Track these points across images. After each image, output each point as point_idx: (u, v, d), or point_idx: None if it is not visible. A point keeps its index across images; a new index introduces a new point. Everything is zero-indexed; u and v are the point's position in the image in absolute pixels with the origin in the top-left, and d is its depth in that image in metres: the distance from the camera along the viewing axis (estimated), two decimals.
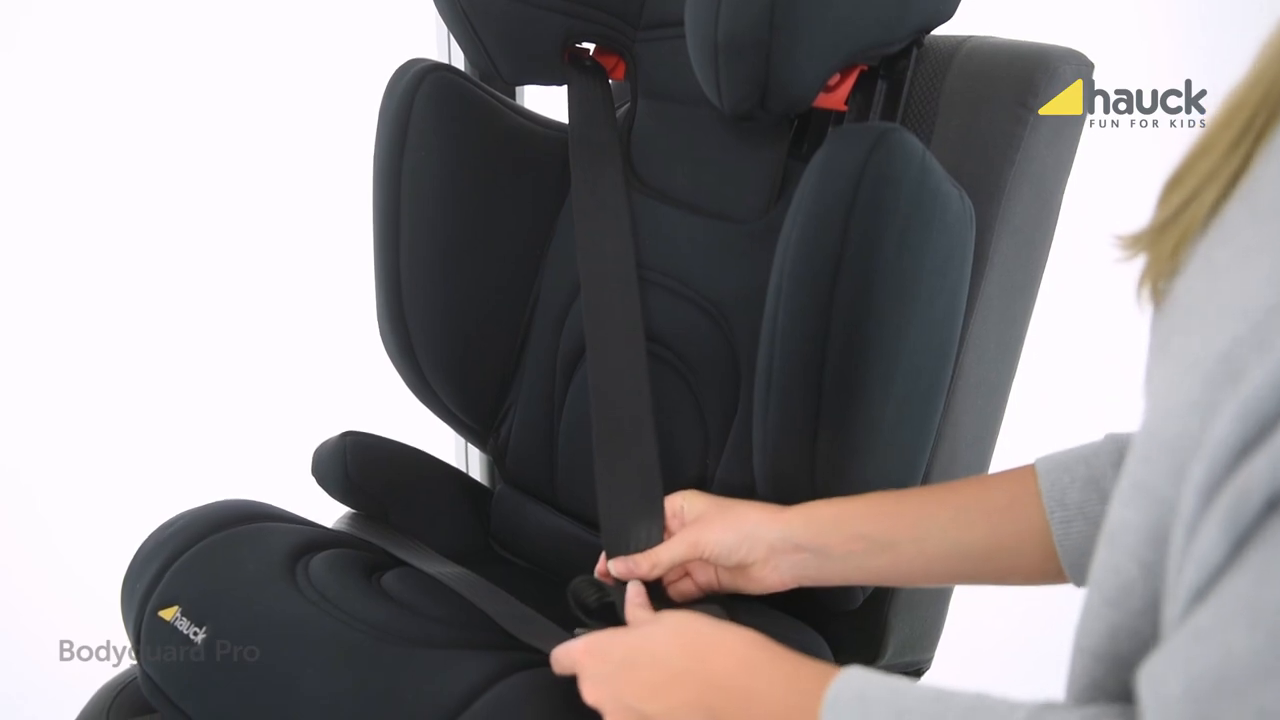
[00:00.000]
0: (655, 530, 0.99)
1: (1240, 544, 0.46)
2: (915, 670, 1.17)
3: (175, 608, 1.03)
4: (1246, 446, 0.46)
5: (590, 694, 0.83)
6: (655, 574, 0.96)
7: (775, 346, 0.94)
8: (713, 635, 0.79)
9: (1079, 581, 0.81)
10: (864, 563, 0.89)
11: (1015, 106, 0.99)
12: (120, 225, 2.91)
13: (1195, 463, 0.48)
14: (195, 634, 1.00)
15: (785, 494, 0.98)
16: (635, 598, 0.95)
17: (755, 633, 0.78)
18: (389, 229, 1.20)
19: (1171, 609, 0.50)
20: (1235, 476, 0.46)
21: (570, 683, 0.93)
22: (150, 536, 1.11)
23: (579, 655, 0.85)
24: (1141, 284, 0.62)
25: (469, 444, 1.60)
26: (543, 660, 0.97)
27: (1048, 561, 0.82)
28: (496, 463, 1.30)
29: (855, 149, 0.89)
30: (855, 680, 0.67)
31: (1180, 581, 0.49)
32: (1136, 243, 0.63)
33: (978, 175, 0.99)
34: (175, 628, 1.02)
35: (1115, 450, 0.82)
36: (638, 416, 1.07)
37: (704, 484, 1.12)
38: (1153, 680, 0.48)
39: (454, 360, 1.24)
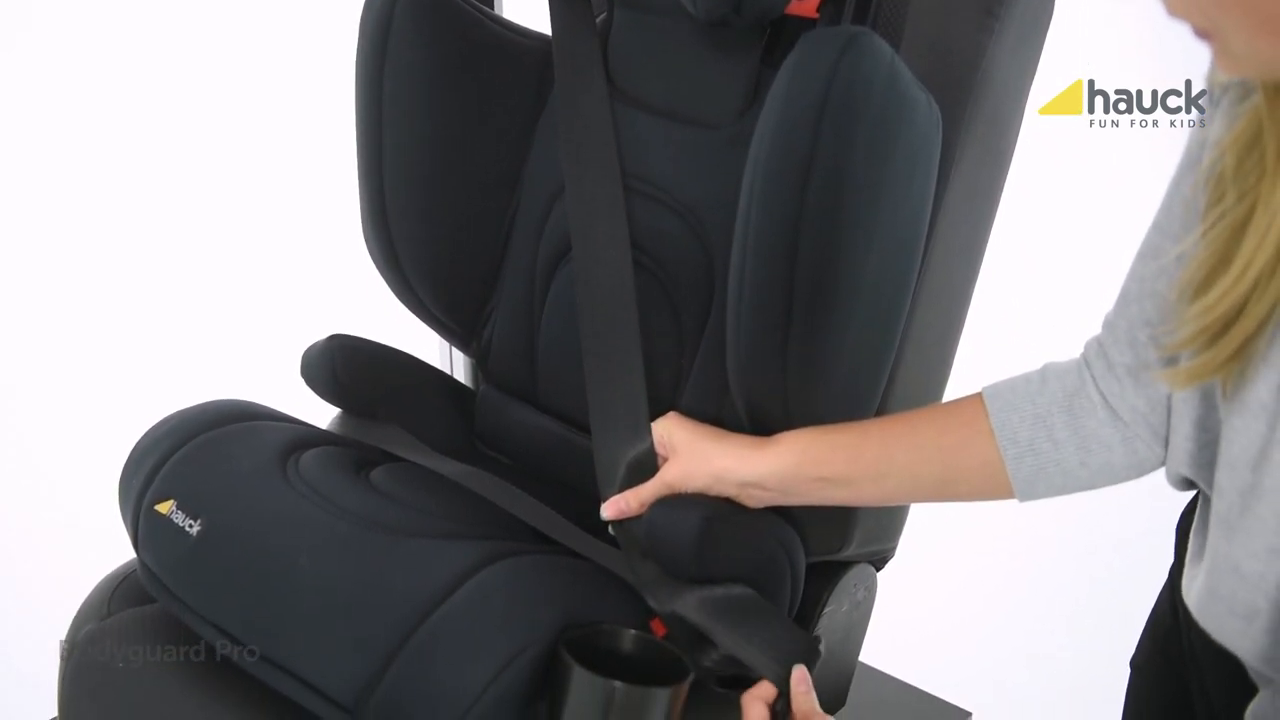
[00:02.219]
0: (645, 458, 1.06)
1: None
2: (880, 559, 1.22)
3: (171, 501, 1.07)
4: None
5: None
6: (643, 511, 1.04)
7: (748, 247, 0.97)
8: None
9: (1023, 499, 0.92)
10: (825, 496, 0.99)
11: (981, 15, 1.01)
12: (113, 155, 2.91)
13: None
14: (190, 526, 1.04)
15: (757, 392, 1.03)
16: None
17: None
18: (372, 138, 1.22)
19: None
20: None
21: (546, 570, 0.99)
22: (145, 434, 1.14)
23: None
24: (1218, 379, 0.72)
25: (452, 348, 1.63)
26: (523, 550, 1.02)
27: (998, 486, 0.93)
28: (479, 365, 1.33)
29: (826, 52, 0.91)
30: None
31: None
32: (1190, 375, 0.72)
33: (944, 81, 1.01)
34: (171, 521, 1.05)
35: (1061, 393, 0.89)
36: (624, 328, 1.12)
37: (678, 383, 1.16)
38: None
39: (437, 265, 1.27)
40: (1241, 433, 0.72)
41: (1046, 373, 0.91)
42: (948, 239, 1.06)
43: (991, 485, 0.92)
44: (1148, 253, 0.81)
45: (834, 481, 0.97)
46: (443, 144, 1.23)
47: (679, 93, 1.15)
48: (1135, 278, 0.82)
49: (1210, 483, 0.78)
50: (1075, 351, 0.90)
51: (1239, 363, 0.70)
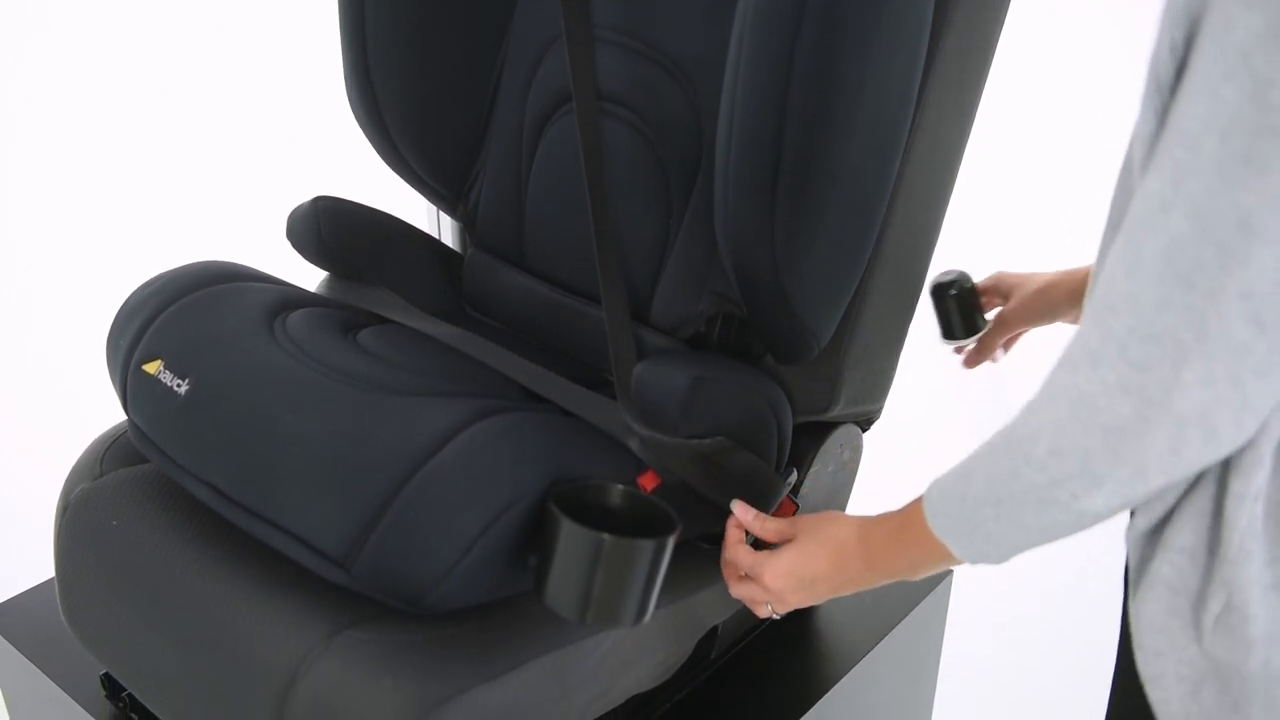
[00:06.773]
0: None
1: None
2: (865, 420, 1.23)
3: (158, 361, 1.06)
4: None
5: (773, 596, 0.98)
6: None
7: (737, 98, 0.95)
8: (841, 538, 0.95)
9: None
10: None
11: None
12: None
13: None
14: (178, 385, 1.04)
15: (744, 249, 1.02)
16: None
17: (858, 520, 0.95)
18: None
19: None
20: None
21: (535, 427, 0.99)
22: (132, 295, 1.14)
23: (769, 578, 0.97)
24: None
25: (440, 215, 1.62)
26: (512, 407, 1.02)
27: None
28: (466, 228, 1.32)
29: None
30: (933, 484, 0.84)
31: None
32: None
33: None
34: (159, 380, 1.05)
35: None
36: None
37: (664, 244, 1.15)
38: None
39: (422, 125, 1.25)
40: None
41: None
42: (940, 95, 1.04)
43: None
44: None
45: None
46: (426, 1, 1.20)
47: None
48: None
49: None
50: None
51: None
